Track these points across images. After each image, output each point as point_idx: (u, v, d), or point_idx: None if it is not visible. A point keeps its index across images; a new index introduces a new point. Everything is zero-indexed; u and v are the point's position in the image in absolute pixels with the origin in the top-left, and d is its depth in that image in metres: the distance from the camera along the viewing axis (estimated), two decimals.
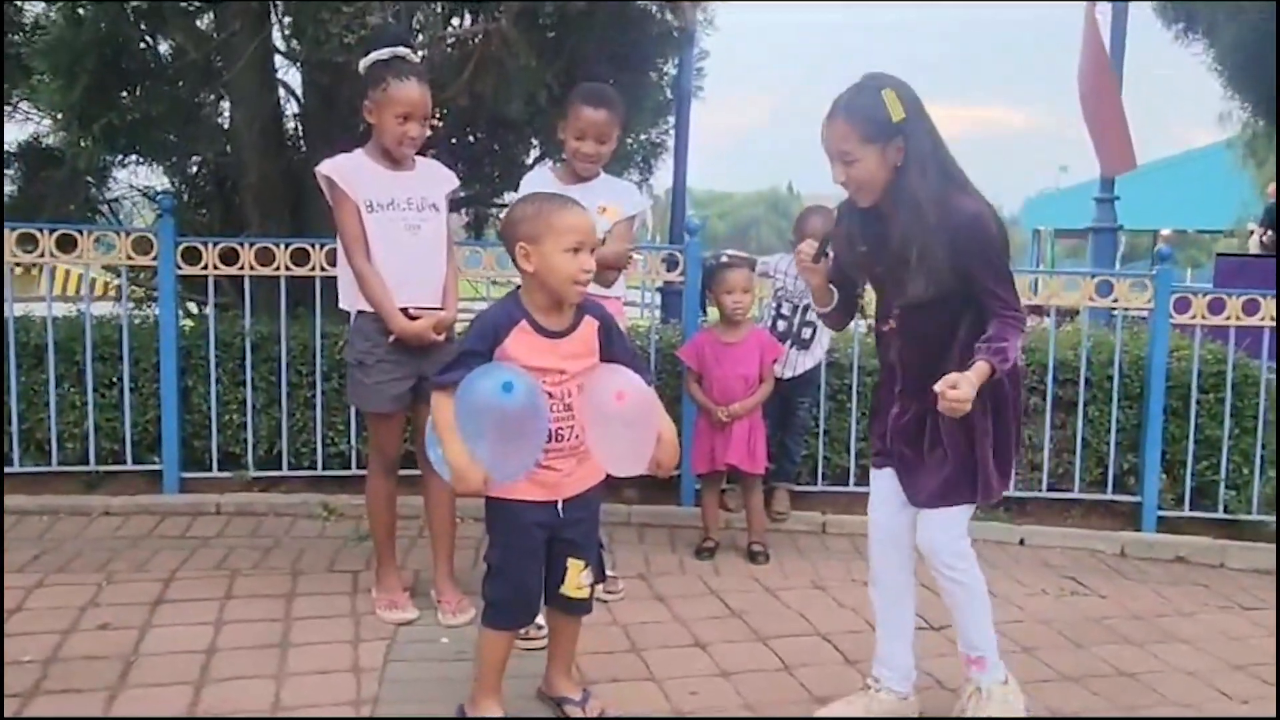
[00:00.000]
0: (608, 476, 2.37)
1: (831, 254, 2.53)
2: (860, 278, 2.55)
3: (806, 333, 3.92)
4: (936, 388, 2.16)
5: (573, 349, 2.27)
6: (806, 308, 3.91)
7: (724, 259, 3.83)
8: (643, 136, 6.08)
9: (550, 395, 2.22)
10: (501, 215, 3.46)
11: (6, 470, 3.94)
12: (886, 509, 2.52)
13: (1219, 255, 10.54)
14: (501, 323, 2.24)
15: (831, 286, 2.57)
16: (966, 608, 2.42)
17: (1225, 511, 4.24)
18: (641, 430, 2.23)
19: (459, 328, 3.13)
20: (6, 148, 5.08)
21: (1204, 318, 4.20)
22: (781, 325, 3.92)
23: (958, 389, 2.13)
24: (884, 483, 2.52)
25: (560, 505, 2.29)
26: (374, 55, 2.97)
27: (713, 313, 3.85)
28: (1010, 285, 2.30)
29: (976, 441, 2.33)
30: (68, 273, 6.20)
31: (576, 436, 2.26)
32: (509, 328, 2.23)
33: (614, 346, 2.34)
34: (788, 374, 3.84)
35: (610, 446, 2.25)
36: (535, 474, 2.24)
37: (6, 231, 3.94)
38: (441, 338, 2.98)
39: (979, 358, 2.21)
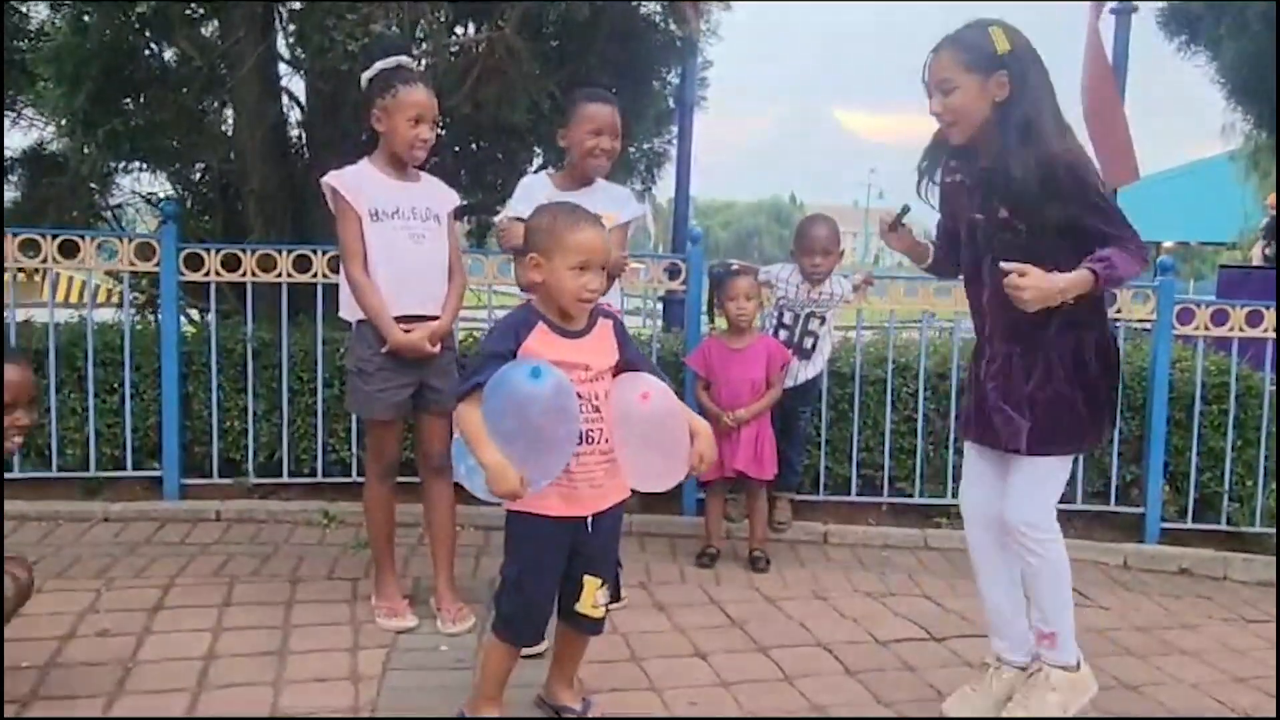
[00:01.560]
0: (631, 492, 2.36)
1: (905, 220, 2.56)
2: (959, 221, 2.51)
3: (808, 342, 3.91)
4: (1006, 269, 2.19)
5: (593, 346, 2.28)
6: (809, 316, 3.90)
7: (734, 267, 3.83)
8: (645, 145, 6.09)
9: (579, 395, 2.21)
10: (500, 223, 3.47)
11: (6, 475, 3.93)
12: (978, 489, 2.53)
13: (1222, 267, 10.53)
14: (521, 324, 2.25)
15: (931, 242, 2.60)
16: (1043, 581, 2.40)
17: (1228, 523, 4.23)
18: (673, 432, 2.25)
19: (460, 335, 3.13)
20: (10, 153, 5.09)
21: (1207, 329, 4.19)
22: (783, 335, 3.91)
23: (1026, 274, 2.16)
24: (973, 461, 2.53)
25: (590, 521, 2.28)
26: (378, 65, 2.99)
27: (720, 322, 3.85)
28: (1122, 220, 2.28)
29: (1064, 386, 2.33)
30: (70, 279, 6.21)
31: (606, 440, 2.25)
32: (529, 328, 2.23)
33: (628, 349, 2.36)
34: (789, 383, 3.83)
35: (642, 457, 2.25)
36: (564, 486, 2.23)
37: (9, 237, 3.95)
38: (437, 348, 2.98)
39: (1084, 264, 2.21)
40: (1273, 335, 4.19)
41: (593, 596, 2.31)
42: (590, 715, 2.43)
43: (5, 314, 3.98)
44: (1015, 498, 2.40)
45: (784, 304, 3.92)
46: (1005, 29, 2.29)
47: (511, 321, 2.30)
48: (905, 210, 2.57)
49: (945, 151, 2.47)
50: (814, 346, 3.94)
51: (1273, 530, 4.21)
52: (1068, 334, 2.34)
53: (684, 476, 2.31)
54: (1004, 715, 2.42)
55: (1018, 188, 2.25)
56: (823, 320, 3.92)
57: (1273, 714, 2.74)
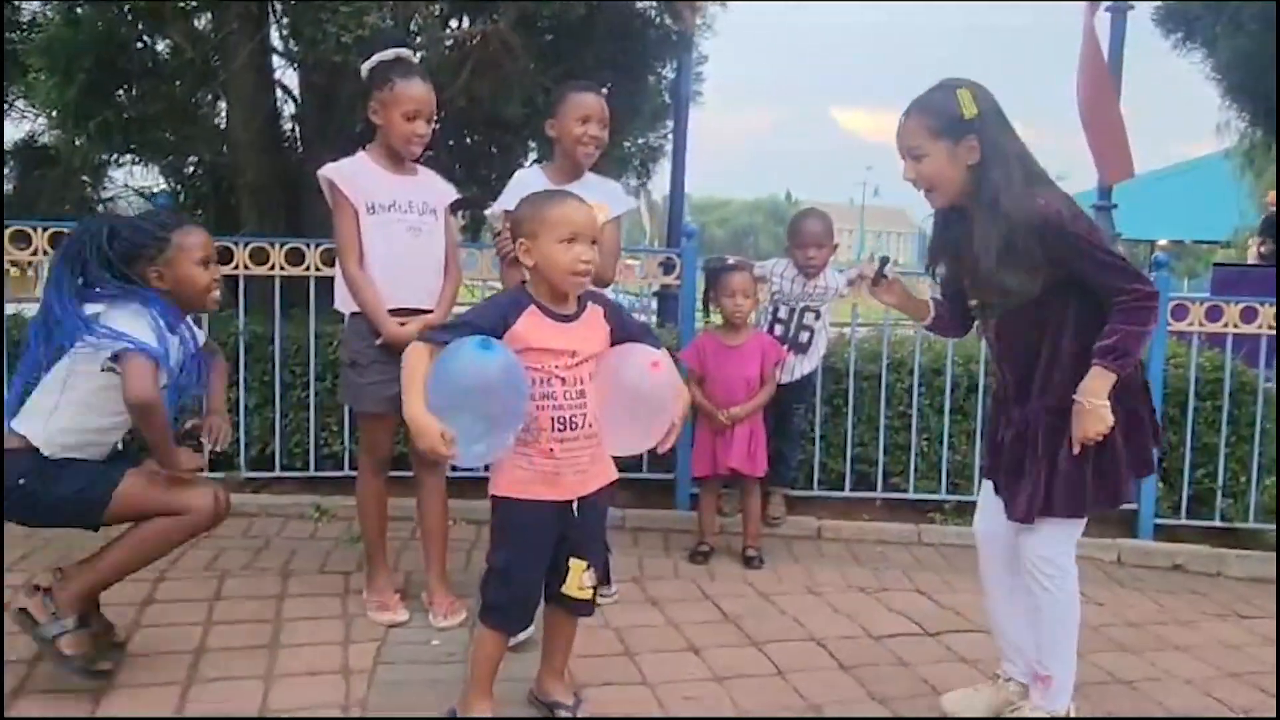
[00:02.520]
0: (617, 479, 2.36)
1: (890, 275, 2.53)
2: (963, 283, 2.47)
3: (804, 336, 3.90)
4: (1074, 437, 2.19)
5: (582, 332, 2.27)
6: (804, 311, 3.89)
7: (730, 262, 3.81)
8: (640, 140, 6.08)
9: (563, 380, 2.21)
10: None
11: None
12: (987, 521, 2.50)
13: (1216, 265, 10.54)
14: (510, 306, 2.24)
15: (931, 300, 2.57)
16: (1048, 617, 2.36)
17: (1222, 519, 4.23)
18: (669, 402, 2.31)
19: None
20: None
21: (1202, 325, 4.19)
22: (778, 329, 3.90)
23: (1081, 433, 2.18)
24: (987, 493, 2.49)
25: (575, 505, 2.28)
26: (377, 56, 2.98)
27: (716, 317, 3.83)
28: (1118, 268, 2.21)
29: (1064, 456, 2.26)
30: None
31: (590, 425, 2.25)
32: (519, 310, 2.22)
33: (626, 326, 2.35)
34: (784, 379, 3.82)
35: (632, 424, 2.28)
36: (549, 470, 2.22)
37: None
38: None
39: (1094, 363, 2.18)
40: (1266, 332, 4.19)
41: (579, 578, 2.31)
42: (581, 712, 2.41)
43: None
44: (1036, 535, 2.35)
45: (779, 298, 3.91)
46: (973, 91, 2.23)
47: (502, 302, 2.30)
48: (885, 262, 2.53)
49: (945, 217, 2.41)
50: (809, 341, 3.92)
51: (1266, 526, 4.21)
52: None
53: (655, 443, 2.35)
54: None
55: (1004, 243, 2.20)
56: (818, 315, 3.91)
57: (1270, 713, 2.74)
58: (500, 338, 2.17)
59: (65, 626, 2.41)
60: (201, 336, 2.66)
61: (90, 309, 2.42)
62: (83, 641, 2.43)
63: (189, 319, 2.61)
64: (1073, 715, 2.41)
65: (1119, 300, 2.19)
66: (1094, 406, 2.19)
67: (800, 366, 3.93)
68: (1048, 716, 2.37)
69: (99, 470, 2.44)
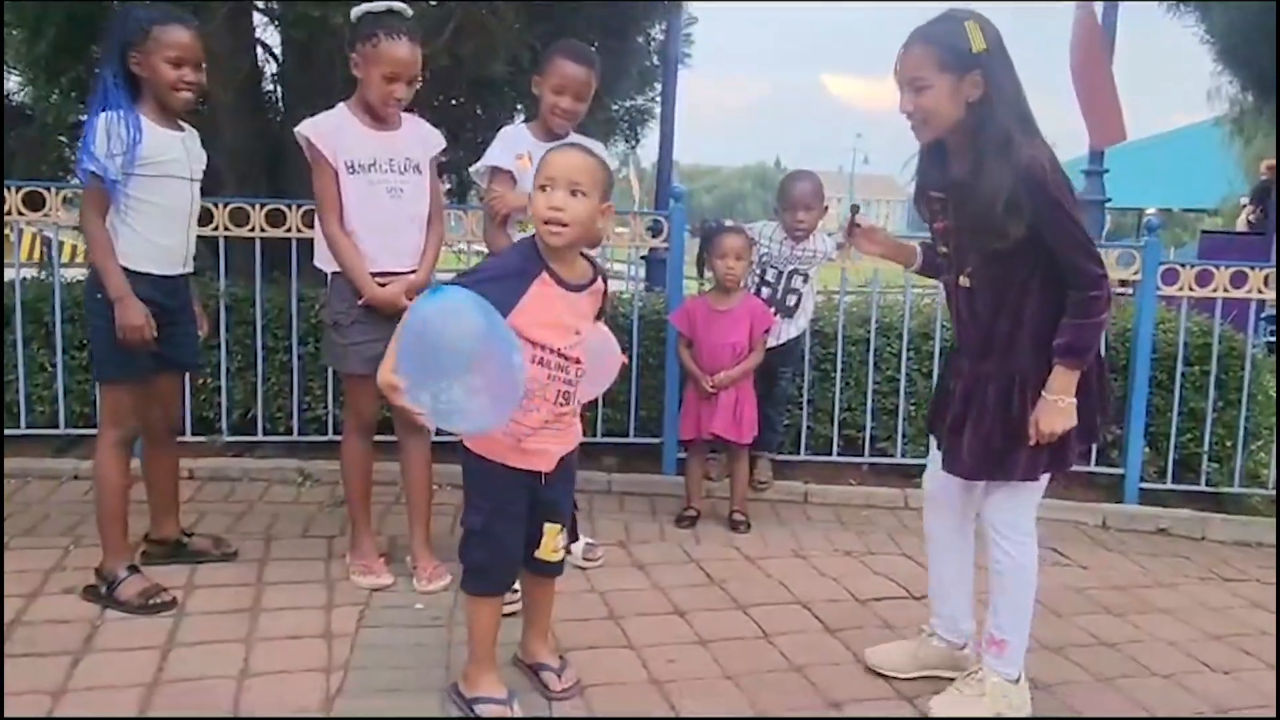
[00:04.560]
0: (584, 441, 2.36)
1: (862, 222, 2.53)
2: (934, 226, 2.41)
3: (791, 300, 3.87)
4: (1034, 425, 2.19)
5: (586, 306, 2.23)
6: (792, 274, 3.86)
7: (728, 224, 3.77)
8: (628, 103, 6.00)
9: (565, 359, 2.18)
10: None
11: None
12: (933, 477, 2.49)
13: (1204, 233, 10.54)
14: (521, 275, 2.12)
15: (919, 245, 2.55)
16: (1008, 583, 2.35)
17: (1207, 484, 4.24)
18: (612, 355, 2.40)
19: None
20: None
21: (1191, 289, 4.17)
22: (766, 292, 3.86)
23: (1045, 425, 2.18)
24: (937, 452, 2.47)
25: (543, 477, 2.26)
26: (367, 5, 2.87)
27: (708, 285, 3.80)
28: (1079, 242, 2.16)
29: (1025, 418, 2.23)
30: (34, 237, 6.03)
31: (578, 401, 2.26)
32: (529, 280, 2.12)
33: (603, 308, 2.33)
34: (772, 342, 3.79)
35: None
36: (532, 447, 2.20)
37: None
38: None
39: (1055, 361, 2.18)
40: (1256, 296, 4.18)
41: (554, 541, 2.31)
42: (566, 674, 2.40)
43: None
44: (997, 499, 2.34)
45: (767, 260, 3.87)
46: (981, 24, 2.16)
47: (514, 269, 2.15)
48: (855, 210, 2.48)
49: (930, 157, 2.35)
50: (797, 304, 3.89)
51: (1249, 490, 4.23)
52: (1041, 357, 2.22)
53: None
54: (930, 714, 2.37)
55: (986, 208, 2.15)
56: (806, 278, 3.88)
57: (1252, 670, 2.75)
58: (508, 309, 2.07)
59: (118, 576, 2.72)
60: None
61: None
62: (134, 584, 2.71)
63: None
64: (1022, 679, 2.40)
65: (1079, 289, 2.16)
66: (1066, 405, 2.18)
67: (788, 330, 3.90)
68: (1006, 679, 2.36)
69: None
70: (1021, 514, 2.34)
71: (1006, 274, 2.24)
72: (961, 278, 2.33)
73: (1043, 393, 2.20)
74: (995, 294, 2.26)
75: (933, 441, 2.51)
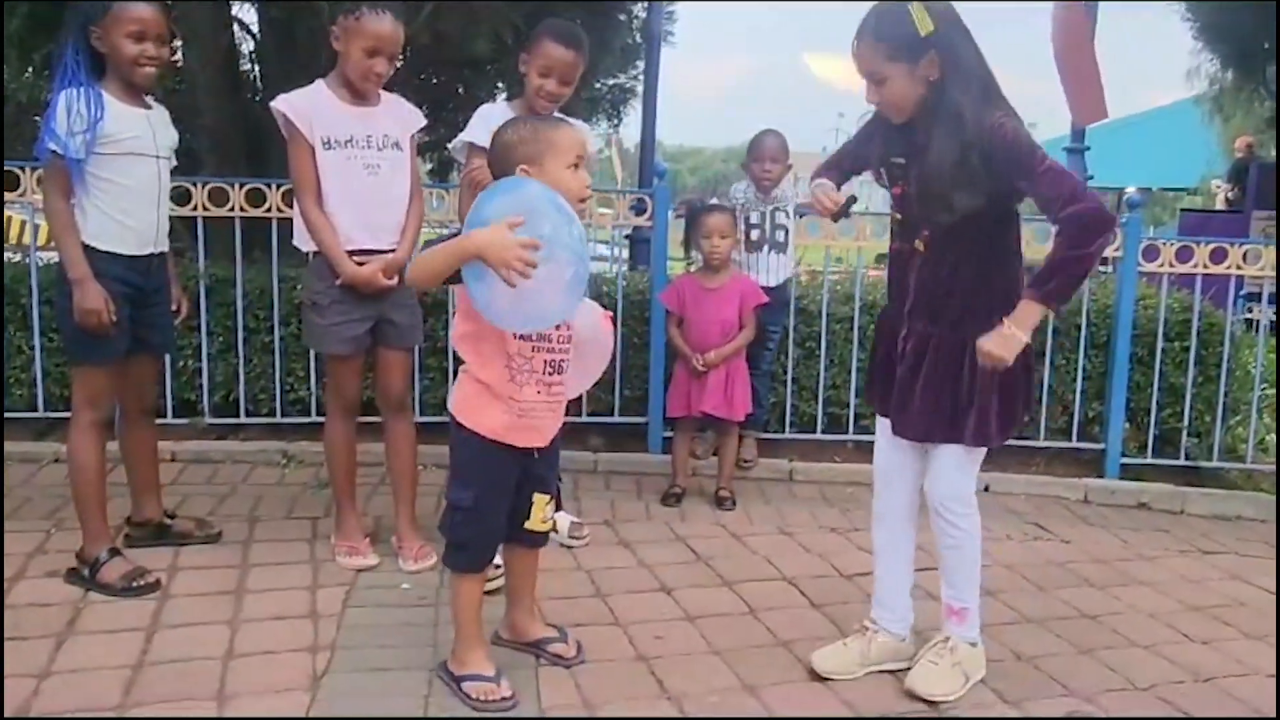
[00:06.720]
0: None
1: (852, 216, 2.52)
2: (892, 191, 2.39)
3: (780, 235, 4.00)
4: (979, 345, 2.14)
5: None
6: (774, 210, 3.97)
7: (711, 203, 3.81)
8: (611, 81, 5.97)
9: (556, 325, 2.18)
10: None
11: None
12: (886, 454, 2.47)
13: (1183, 211, 10.60)
14: None
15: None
16: (963, 554, 2.38)
17: (1187, 459, 4.28)
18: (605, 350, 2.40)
19: None
20: None
21: (1172, 265, 4.20)
22: (754, 234, 3.98)
23: (991, 347, 2.13)
24: (886, 428, 2.45)
25: (536, 451, 2.26)
26: None
27: (695, 266, 3.83)
28: (1056, 176, 2.12)
29: (976, 382, 2.24)
30: (9, 220, 5.96)
31: (569, 369, 2.27)
32: None
33: None
34: (764, 282, 3.86)
35: (576, 364, 2.31)
36: (524, 422, 2.20)
37: None
38: (394, 281, 2.89)
39: (1025, 292, 2.14)
40: (1235, 273, 4.22)
41: (541, 512, 2.32)
42: (570, 640, 2.43)
43: None
44: (942, 475, 2.34)
45: (746, 209, 3.97)
46: (925, 4, 2.14)
47: None
48: (852, 201, 2.48)
49: (889, 126, 2.33)
50: (786, 239, 4.00)
51: (1228, 465, 4.28)
52: (993, 320, 2.19)
53: None
54: (909, 682, 2.37)
55: (948, 177, 2.15)
56: (788, 214, 3.99)
57: (1231, 641, 2.79)
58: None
59: (99, 559, 2.70)
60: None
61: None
62: (116, 566, 2.69)
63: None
64: (979, 644, 2.45)
65: (1063, 214, 2.09)
66: (1012, 334, 2.14)
67: (778, 271, 3.98)
68: (970, 644, 2.41)
69: None
70: (965, 485, 2.36)
71: (962, 241, 2.25)
72: (917, 242, 2.33)
73: (1004, 318, 2.17)
74: (951, 260, 2.27)
75: (883, 423, 2.46)
